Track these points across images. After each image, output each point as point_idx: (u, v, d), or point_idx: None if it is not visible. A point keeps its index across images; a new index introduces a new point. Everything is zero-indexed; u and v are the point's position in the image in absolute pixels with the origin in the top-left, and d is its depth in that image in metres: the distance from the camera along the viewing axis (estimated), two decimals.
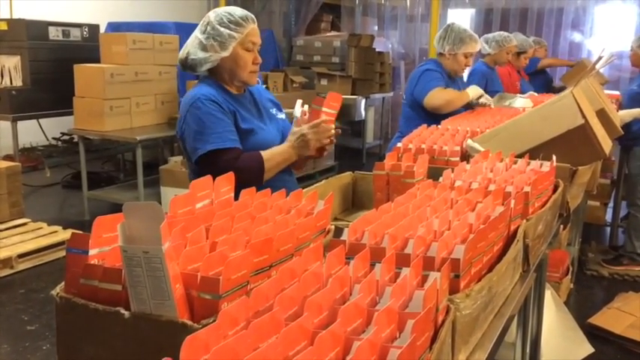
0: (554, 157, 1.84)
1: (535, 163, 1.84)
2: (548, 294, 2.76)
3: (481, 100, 3.32)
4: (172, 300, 0.87)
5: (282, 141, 2.07)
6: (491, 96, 3.59)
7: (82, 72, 4.93)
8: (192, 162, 1.96)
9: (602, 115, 2.50)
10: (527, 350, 2.20)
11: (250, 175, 1.83)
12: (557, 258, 3.42)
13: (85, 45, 5.72)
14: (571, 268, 3.69)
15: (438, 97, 3.07)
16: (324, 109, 1.99)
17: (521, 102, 3.55)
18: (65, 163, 5.97)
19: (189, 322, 0.86)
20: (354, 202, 2.02)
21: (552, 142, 2.10)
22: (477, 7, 7.94)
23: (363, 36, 7.60)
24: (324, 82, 7.38)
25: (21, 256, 3.85)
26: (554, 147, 2.03)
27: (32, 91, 5.33)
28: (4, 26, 5.34)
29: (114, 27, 6.30)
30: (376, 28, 8.88)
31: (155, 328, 0.88)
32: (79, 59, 5.15)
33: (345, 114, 7.13)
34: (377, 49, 7.77)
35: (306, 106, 2.10)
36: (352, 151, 7.74)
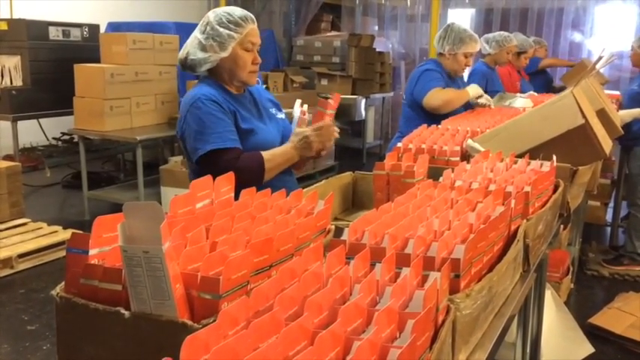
0: (554, 157, 1.84)
1: (535, 163, 1.84)
2: (549, 294, 2.76)
3: (481, 101, 3.32)
4: (172, 300, 0.87)
5: (282, 141, 2.07)
6: (492, 96, 3.59)
7: (82, 72, 4.93)
8: (193, 162, 1.96)
9: (602, 115, 2.50)
10: (528, 350, 2.20)
11: (250, 176, 1.83)
12: (558, 258, 3.42)
13: (86, 45, 5.72)
14: (571, 268, 3.69)
15: (436, 97, 3.07)
16: (328, 111, 2.00)
17: (522, 102, 3.55)
18: (65, 163, 5.97)
19: (190, 322, 0.86)
20: (354, 202, 2.02)
21: (552, 142, 2.10)
22: (477, 7, 7.95)
23: (363, 36, 7.60)
24: (324, 82, 7.38)
25: (21, 256, 3.85)
26: (555, 147, 2.03)
27: (32, 91, 5.33)
28: (4, 26, 5.34)
29: (114, 27, 6.30)
30: (376, 28, 8.88)
31: (155, 328, 0.88)
32: (80, 59, 5.16)
33: (345, 114, 7.13)
34: (377, 49, 7.77)
35: (305, 106, 2.10)
36: (352, 151, 7.73)
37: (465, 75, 3.78)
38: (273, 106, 2.19)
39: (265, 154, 1.95)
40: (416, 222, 1.21)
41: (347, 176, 2.01)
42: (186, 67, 2.01)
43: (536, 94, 4.16)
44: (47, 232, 4.23)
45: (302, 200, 1.33)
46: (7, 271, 3.76)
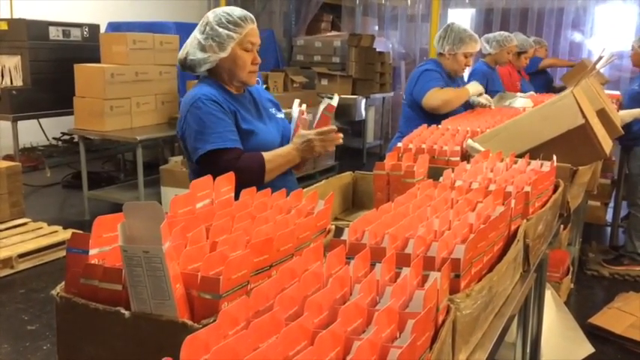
0: (554, 157, 1.84)
1: (535, 163, 1.84)
2: (549, 294, 2.76)
3: (481, 101, 3.32)
4: (172, 300, 0.87)
5: (281, 141, 2.07)
6: (492, 96, 3.59)
7: (82, 72, 4.93)
8: (193, 162, 1.96)
9: (602, 115, 2.49)
10: (528, 350, 2.20)
11: (251, 176, 1.83)
12: (558, 258, 3.42)
13: (86, 45, 5.72)
14: (571, 268, 3.69)
15: (435, 97, 3.07)
16: (330, 114, 2.01)
17: (522, 102, 3.55)
18: (65, 163, 5.98)
19: (190, 322, 0.86)
20: (354, 202, 2.02)
21: (553, 142, 2.10)
22: (478, 7, 7.95)
23: (363, 36, 7.60)
24: (324, 82, 7.38)
25: (21, 255, 3.85)
26: (555, 147, 2.03)
27: (32, 91, 5.33)
28: (4, 26, 5.34)
29: (114, 27, 6.30)
30: (376, 28, 8.88)
31: (155, 327, 0.88)
32: (80, 59, 5.16)
33: (346, 114, 7.13)
34: (377, 49, 7.78)
35: (304, 106, 2.10)
36: (352, 151, 7.73)
37: (466, 75, 3.78)
38: (272, 106, 2.19)
39: (266, 154, 1.94)
40: (416, 222, 1.21)
41: (347, 176, 2.01)
42: (186, 68, 2.01)
43: (536, 94, 4.16)
44: (47, 232, 4.23)
45: (302, 200, 1.33)
46: (7, 271, 3.76)
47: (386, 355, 0.76)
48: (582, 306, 3.54)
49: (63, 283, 0.98)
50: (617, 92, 4.95)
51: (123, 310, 0.90)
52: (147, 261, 0.86)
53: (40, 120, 5.75)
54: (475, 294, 1.05)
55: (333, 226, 1.31)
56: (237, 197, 1.32)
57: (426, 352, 0.85)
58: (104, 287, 0.93)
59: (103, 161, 6.54)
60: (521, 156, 1.93)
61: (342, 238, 1.11)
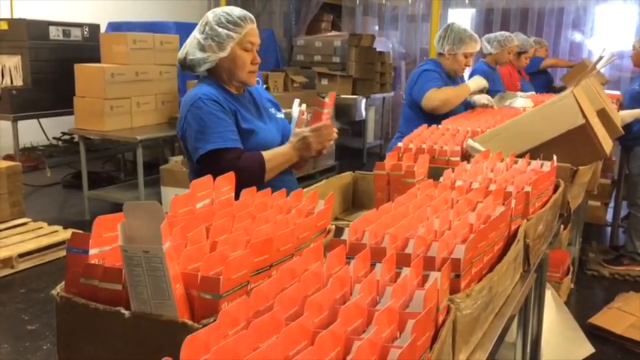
0: (554, 157, 1.83)
1: (536, 163, 1.84)
2: (549, 294, 2.76)
3: (483, 101, 3.32)
4: (173, 300, 0.87)
5: (281, 141, 2.07)
6: (492, 96, 3.59)
7: (82, 72, 4.93)
8: (193, 162, 1.96)
9: (602, 114, 2.49)
10: (528, 350, 2.20)
11: (251, 176, 1.83)
12: (558, 258, 3.42)
13: (86, 45, 5.72)
14: (571, 268, 3.69)
15: (433, 98, 3.06)
16: (325, 110, 2.00)
17: (522, 102, 3.55)
18: (66, 162, 5.98)
19: (190, 322, 0.86)
20: (354, 201, 2.02)
21: (553, 142, 2.10)
22: (478, 7, 7.95)
23: (363, 36, 7.60)
24: (324, 81, 7.38)
25: (21, 255, 3.85)
26: (555, 147, 2.03)
27: (33, 90, 5.33)
28: (4, 26, 5.34)
29: (114, 27, 6.30)
30: (377, 27, 8.88)
31: (155, 327, 0.88)
32: (80, 59, 5.16)
33: (346, 114, 7.13)
34: (377, 49, 7.77)
35: (303, 106, 2.10)
36: (353, 150, 7.73)
37: (466, 75, 3.78)
38: (272, 106, 2.19)
39: (266, 154, 1.94)
40: (416, 222, 1.20)
41: (347, 176, 2.01)
42: (186, 67, 2.01)
43: (536, 94, 4.16)
44: (47, 232, 4.23)
45: (302, 200, 1.33)
46: (8, 271, 3.76)
47: (386, 355, 0.76)
48: (582, 306, 3.54)
49: (63, 282, 0.98)
50: (618, 92, 4.95)
51: (123, 310, 0.90)
52: (147, 261, 0.86)
53: (40, 120, 5.75)
54: (475, 294, 1.05)
55: (333, 226, 1.31)
56: (237, 197, 1.32)
57: (426, 352, 0.85)
58: (104, 287, 0.93)
59: (103, 161, 6.54)
60: (521, 156, 1.92)
61: (342, 238, 1.11)
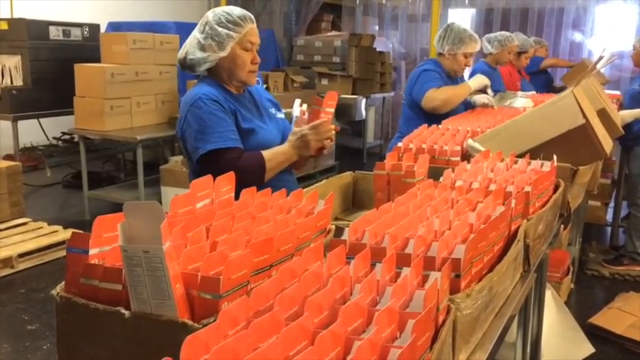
0: (554, 157, 1.83)
1: (536, 163, 1.84)
2: (549, 294, 2.76)
3: (483, 101, 3.32)
4: (173, 300, 0.87)
5: (282, 141, 2.07)
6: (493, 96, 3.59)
7: (82, 72, 4.93)
8: (193, 162, 1.96)
9: (602, 114, 2.49)
10: (528, 350, 2.20)
11: (251, 175, 1.83)
12: (558, 258, 3.42)
13: (86, 45, 5.72)
14: (571, 268, 3.69)
15: (433, 98, 3.06)
16: (326, 109, 2.00)
17: (522, 102, 3.55)
18: (66, 162, 5.98)
19: (190, 322, 0.86)
20: (354, 201, 2.02)
21: (553, 141, 2.10)
22: (478, 7, 7.95)
23: (363, 36, 7.60)
24: (324, 81, 7.38)
25: (21, 255, 3.85)
26: (555, 147, 2.03)
27: (33, 90, 5.33)
28: (4, 26, 5.34)
29: (114, 27, 6.30)
30: (377, 27, 8.88)
31: (155, 327, 0.88)
32: (80, 59, 5.16)
33: (346, 114, 7.13)
34: (378, 49, 7.77)
35: (304, 106, 2.10)
36: (353, 150, 7.73)
37: (466, 75, 3.78)
38: (272, 105, 2.18)
39: (266, 153, 1.94)
40: (416, 222, 1.20)
41: (347, 176, 2.01)
42: (186, 67, 2.01)
43: (537, 94, 4.16)
44: (47, 232, 4.23)
45: (302, 200, 1.33)
46: (8, 271, 3.76)
47: (386, 355, 0.76)
48: (582, 306, 3.54)
49: (63, 282, 0.97)
50: (618, 92, 4.95)
51: (123, 310, 0.90)
52: (147, 261, 0.86)
53: (40, 120, 5.75)
54: (475, 294, 1.05)
55: (334, 226, 1.31)
56: (237, 197, 1.32)
57: (426, 352, 0.85)
58: (104, 287, 0.93)
59: (103, 161, 6.54)
60: (521, 156, 1.92)
61: (343, 238, 1.11)
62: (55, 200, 5.69)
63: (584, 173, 2.18)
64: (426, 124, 2.49)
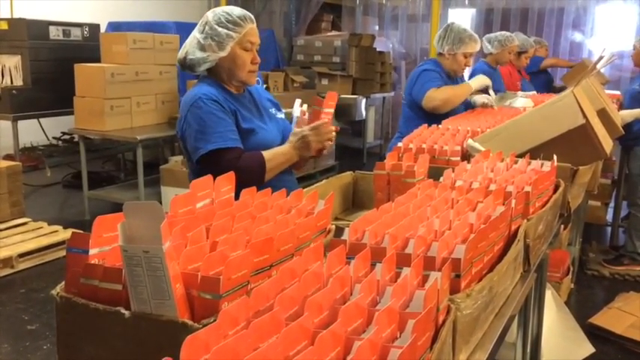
0: (554, 157, 1.83)
1: (536, 163, 1.84)
2: (549, 294, 2.76)
3: (483, 101, 3.32)
4: (173, 300, 0.87)
5: (282, 141, 2.07)
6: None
7: (82, 71, 4.93)
8: (193, 161, 1.96)
9: (603, 114, 2.49)
10: (528, 350, 2.20)
11: (251, 175, 1.83)
12: (558, 258, 3.42)
13: (86, 44, 5.72)
14: (572, 268, 3.69)
15: (433, 97, 3.06)
16: (325, 110, 2.00)
17: (522, 102, 3.55)
18: (66, 162, 5.98)
19: (190, 322, 0.86)
20: (354, 201, 2.02)
21: (553, 141, 2.10)
22: (478, 7, 7.95)
23: (363, 36, 7.60)
24: (324, 81, 7.38)
25: (21, 255, 3.85)
26: (555, 147, 2.03)
27: (33, 90, 5.33)
28: (4, 26, 5.34)
29: (114, 26, 6.30)
30: (377, 27, 8.88)
31: (155, 327, 0.88)
32: (80, 59, 5.16)
33: (346, 114, 7.13)
34: (378, 49, 7.77)
35: (305, 106, 2.10)
36: (353, 150, 7.73)
37: (466, 75, 3.78)
38: (272, 106, 2.18)
39: (266, 153, 1.94)
40: (416, 222, 1.20)
41: (347, 176, 2.01)
42: (186, 67, 2.01)
43: (537, 94, 4.16)
44: (47, 232, 4.23)
45: (302, 200, 1.33)
46: (8, 271, 3.76)
47: (386, 355, 0.76)
48: (582, 306, 3.54)
49: (63, 282, 0.97)
50: (618, 92, 4.96)
51: (123, 310, 0.89)
52: (147, 261, 0.86)
53: (40, 120, 5.75)
54: (475, 294, 1.05)
55: (334, 226, 1.31)
56: (237, 197, 1.31)
57: (426, 352, 0.85)
58: (104, 287, 0.93)
59: (103, 161, 6.54)
60: (521, 156, 1.92)
61: (343, 238, 1.11)
62: (55, 200, 5.69)
63: (584, 173, 2.18)
64: (426, 124, 2.49)
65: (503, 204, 1.40)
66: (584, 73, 3.01)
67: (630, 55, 4.36)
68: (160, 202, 1.06)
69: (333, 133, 2.00)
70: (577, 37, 7.42)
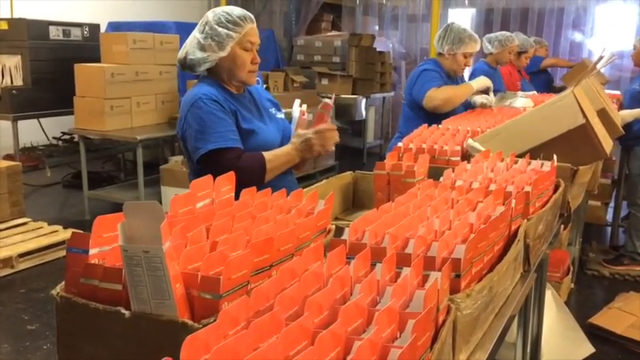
0: (554, 157, 1.83)
1: (536, 163, 1.84)
2: (549, 294, 2.76)
3: (482, 101, 3.32)
4: (173, 300, 0.87)
5: (282, 141, 2.07)
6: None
7: (82, 71, 4.93)
8: (193, 162, 1.96)
9: (602, 114, 2.49)
10: (528, 350, 2.20)
11: (251, 176, 1.82)
12: (558, 258, 3.42)
13: (86, 44, 5.72)
14: (572, 268, 3.69)
15: (434, 97, 3.05)
16: (327, 112, 2.01)
17: (522, 102, 3.55)
18: (66, 162, 5.98)
19: (190, 322, 0.86)
20: (354, 201, 2.02)
21: (553, 141, 2.10)
22: (478, 7, 7.95)
23: (363, 36, 7.60)
24: (324, 81, 7.38)
25: (21, 255, 3.85)
26: (555, 147, 2.03)
27: (33, 90, 5.33)
28: (4, 26, 5.34)
29: (114, 26, 6.31)
30: (377, 27, 8.88)
31: (155, 327, 0.88)
32: (80, 59, 5.16)
33: (346, 114, 7.13)
34: (378, 49, 7.77)
35: (304, 106, 2.10)
36: (353, 150, 7.73)
37: (466, 75, 3.78)
38: (272, 106, 2.18)
39: (267, 154, 1.94)
40: (416, 222, 1.20)
41: (347, 176, 2.01)
42: (186, 67, 2.01)
43: (537, 94, 4.16)
44: (47, 232, 4.23)
45: (302, 200, 1.33)
46: (8, 271, 3.76)
47: (386, 355, 0.76)
48: (582, 306, 3.54)
49: (63, 282, 0.97)
50: (618, 92, 4.96)
51: (123, 310, 0.89)
52: (147, 261, 0.86)
53: (40, 120, 5.75)
54: (475, 294, 1.05)
55: (334, 226, 1.31)
56: (237, 197, 1.31)
57: (426, 352, 0.85)
58: (104, 287, 0.93)
59: (103, 161, 6.54)
60: (521, 156, 1.92)
61: (343, 237, 1.11)
62: (55, 200, 5.69)
63: (584, 173, 2.18)
64: (426, 124, 2.49)
65: (503, 204, 1.40)
66: (584, 73, 3.01)
67: (630, 55, 4.36)
68: (160, 202, 1.06)
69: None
70: (577, 37, 7.42)
